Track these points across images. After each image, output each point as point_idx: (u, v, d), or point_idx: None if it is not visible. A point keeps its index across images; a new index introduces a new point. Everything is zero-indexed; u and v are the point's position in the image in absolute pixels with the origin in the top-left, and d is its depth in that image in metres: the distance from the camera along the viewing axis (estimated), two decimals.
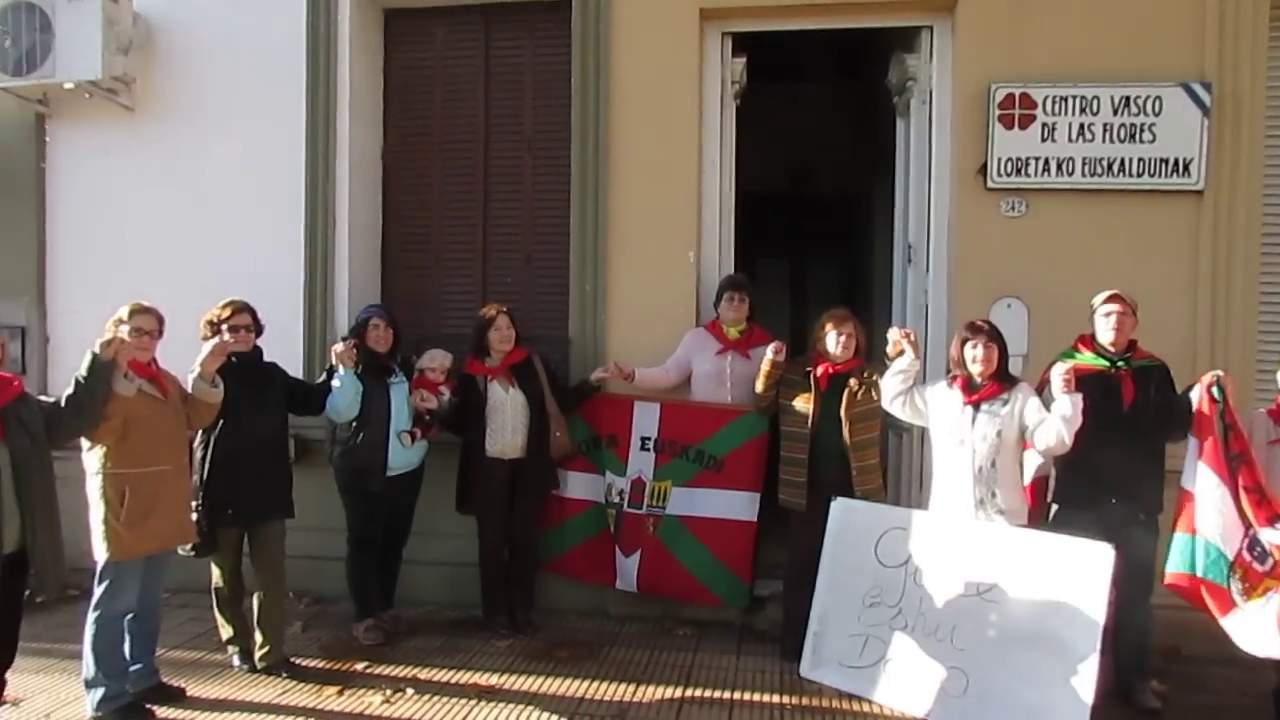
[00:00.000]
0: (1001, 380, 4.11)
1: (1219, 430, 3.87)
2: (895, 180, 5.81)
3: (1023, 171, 5.04)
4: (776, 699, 4.26)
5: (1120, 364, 4.11)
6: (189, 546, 4.19)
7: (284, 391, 4.57)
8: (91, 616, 3.90)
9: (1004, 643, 3.88)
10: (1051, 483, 4.32)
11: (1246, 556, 3.75)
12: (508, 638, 4.98)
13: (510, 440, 4.93)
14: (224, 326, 4.27)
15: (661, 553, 5.10)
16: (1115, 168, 4.98)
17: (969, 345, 4.12)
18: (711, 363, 5.12)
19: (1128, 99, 4.97)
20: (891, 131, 5.93)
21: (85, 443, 3.83)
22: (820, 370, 4.60)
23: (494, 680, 4.44)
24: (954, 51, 5.23)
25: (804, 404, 4.63)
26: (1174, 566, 3.93)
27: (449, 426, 5.03)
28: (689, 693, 4.33)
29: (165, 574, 4.18)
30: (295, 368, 5.24)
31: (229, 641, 4.56)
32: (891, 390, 4.34)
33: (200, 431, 4.27)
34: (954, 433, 4.14)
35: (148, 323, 3.93)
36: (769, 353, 4.73)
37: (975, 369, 4.10)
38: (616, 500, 5.22)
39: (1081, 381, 3.93)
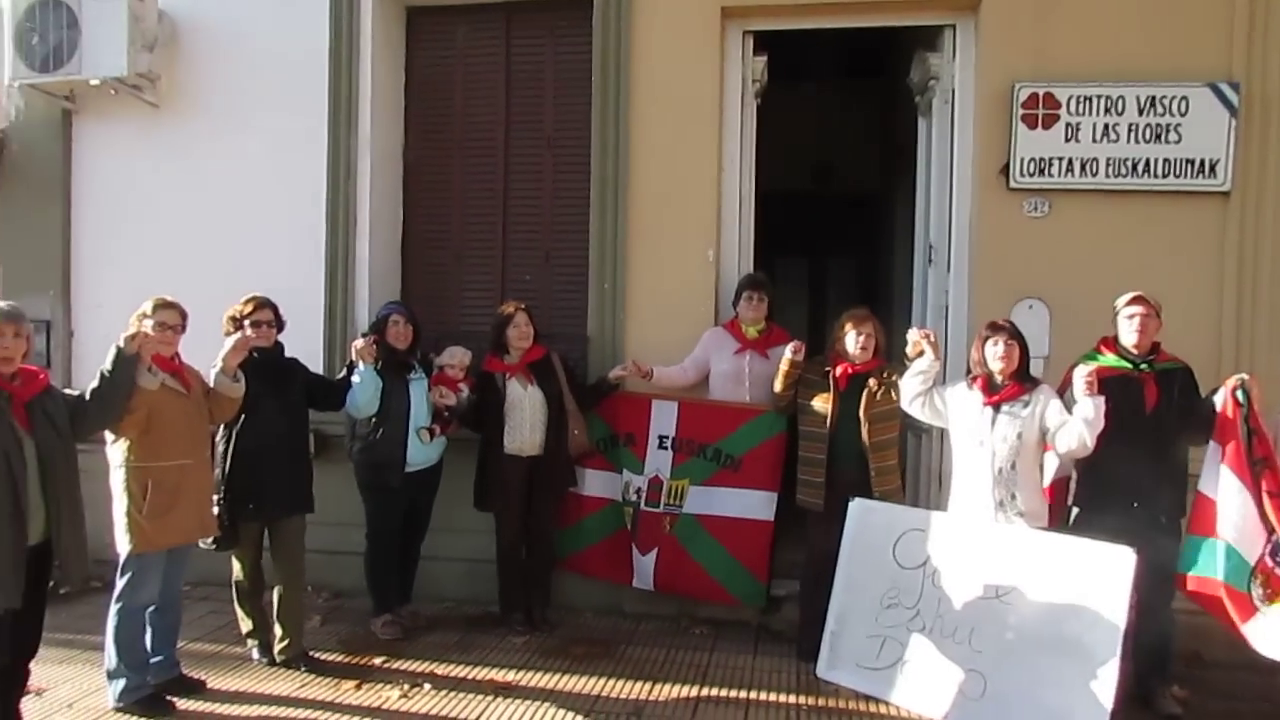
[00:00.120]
0: (1022, 381, 4.09)
1: (1242, 434, 3.82)
2: (916, 180, 5.79)
3: (1046, 172, 5.00)
4: (793, 699, 4.26)
5: (1143, 366, 4.07)
6: (210, 540, 4.23)
7: (305, 387, 4.60)
8: (114, 608, 3.95)
9: (1023, 646, 3.86)
10: (1072, 485, 4.29)
11: (1269, 562, 3.71)
12: (524, 634, 5.00)
13: (528, 438, 4.94)
14: (246, 322, 4.31)
15: (678, 551, 5.09)
16: (1140, 168, 4.93)
17: (990, 343, 4.10)
18: (730, 362, 5.11)
19: (1153, 99, 4.92)
20: (913, 131, 5.90)
21: (109, 436, 3.87)
22: (839, 370, 4.59)
23: (510, 677, 4.45)
24: (977, 50, 5.19)
25: (822, 404, 4.61)
26: (1193, 569, 3.89)
27: (467, 423, 5.05)
28: (705, 692, 4.33)
29: (186, 567, 4.22)
30: (316, 364, 5.27)
31: (249, 635, 4.60)
32: (911, 391, 4.32)
33: (222, 426, 4.31)
34: (974, 434, 4.11)
35: (171, 317, 3.96)
36: (788, 352, 4.71)
37: (996, 366, 4.07)
38: (634, 498, 5.22)
39: (1104, 384, 3.90)
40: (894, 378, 4.51)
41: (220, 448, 4.32)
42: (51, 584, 3.59)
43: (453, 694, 4.25)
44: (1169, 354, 4.14)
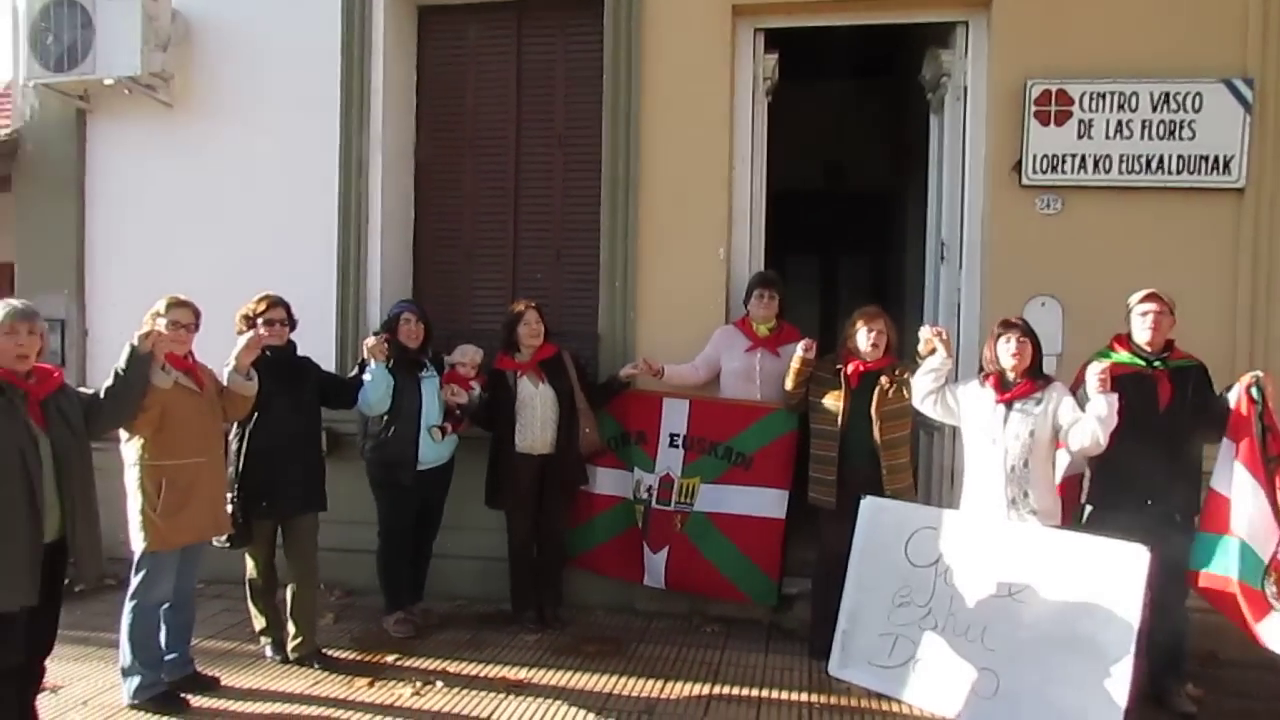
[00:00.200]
0: (1035, 378, 4.07)
1: (1257, 432, 3.81)
2: (928, 177, 5.76)
3: (1058, 168, 4.99)
4: (805, 697, 4.25)
5: (1157, 364, 4.05)
6: (224, 538, 4.25)
7: (317, 386, 4.62)
8: (128, 606, 3.97)
9: (1036, 644, 3.84)
10: (1085, 483, 4.27)
11: None
12: (536, 632, 5.01)
13: (540, 436, 4.94)
14: (259, 320, 4.33)
15: (689, 549, 5.09)
16: (1154, 165, 4.91)
17: (1002, 340, 4.08)
18: (741, 360, 5.11)
19: (1167, 95, 4.89)
20: (924, 128, 5.89)
21: (123, 434, 3.89)
22: (851, 368, 4.58)
23: (522, 674, 4.46)
24: (989, 47, 5.18)
25: (834, 401, 4.60)
26: (1205, 567, 3.87)
27: (479, 422, 5.06)
28: (717, 690, 4.33)
29: (200, 565, 4.24)
30: (328, 362, 5.30)
31: (262, 632, 4.62)
32: (923, 389, 4.30)
33: (235, 424, 4.33)
34: (986, 431, 4.10)
35: (184, 316, 3.98)
36: (799, 350, 4.70)
37: (1009, 364, 4.05)
38: (645, 497, 5.21)
39: (1117, 381, 3.88)
40: (906, 375, 4.49)
41: (234, 446, 4.34)
42: (66, 581, 3.60)
43: (465, 691, 4.26)
44: (1183, 351, 4.12)
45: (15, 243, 6.18)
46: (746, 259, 5.53)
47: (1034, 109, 4.98)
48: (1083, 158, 4.97)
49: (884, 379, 4.54)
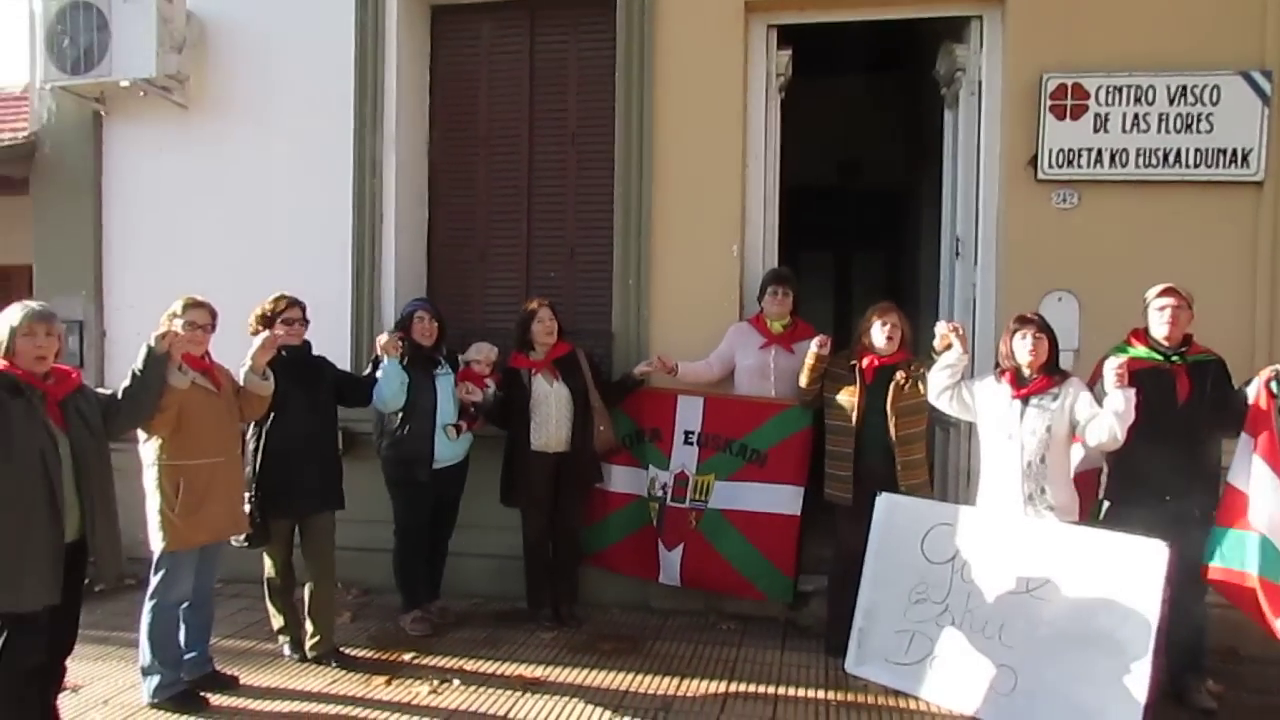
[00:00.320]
0: (1051, 374, 4.04)
1: (1276, 426, 3.78)
2: (943, 172, 5.74)
3: (1074, 163, 4.96)
4: (821, 694, 4.24)
5: (1175, 359, 4.02)
6: (242, 537, 4.27)
7: (333, 384, 4.63)
8: (148, 605, 3.99)
9: (1054, 641, 3.82)
10: (1103, 478, 4.24)
11: None
12: (552, 630, 5.02)
13: (554, 434, 4.95)
14: (278, 319, 4.35)
15: (704, 547, 5.09)
16: (1171, 158, 4.88)
17: (1018, 335, 4.05)
18: (755, 357, 5.10)
19: (1184, 88, 4.86)
20: (939, 123, 5.86)
21: (141, 435, 3.91)
22: (866, 363, 4.56)
23: (539, 672, 4.47)
24: (1004, 41, 5.15)
25: (849, 397, 4.59)
26: (1220, 561, 3.84)
27: (493, 420, 5.07)
28: (733, 687, 4.33)
29: (218, 564, 4.26)
30: (343, 361, 5.31)
31: (280, 631, 4.64)
32: (939, 384, 4.28)
33: (252, 424, 4.35)
34: (1002, 427, 4.08)
35: (201, 316, 4.00)
36: (813, 346, 4.69)
37: (1025, 360, 4.03)
38: (659, 494, 5.21)
39: (1135, 376, 3.86)
40: (922, 370, 4.48)
41: (250, 446, 4.36)
42: (86, 581, 3.63)
43: (482, 689, 4.27)
44: (1201, 346, 4.08)
45: (33, 245, 6.22)
46: (760, 256, 5.52)
47: (1049, 103, 4.96)
48: (1099, 152, 4.94)
49: (899, 374, 4.52)
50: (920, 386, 4.46)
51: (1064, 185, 5.01)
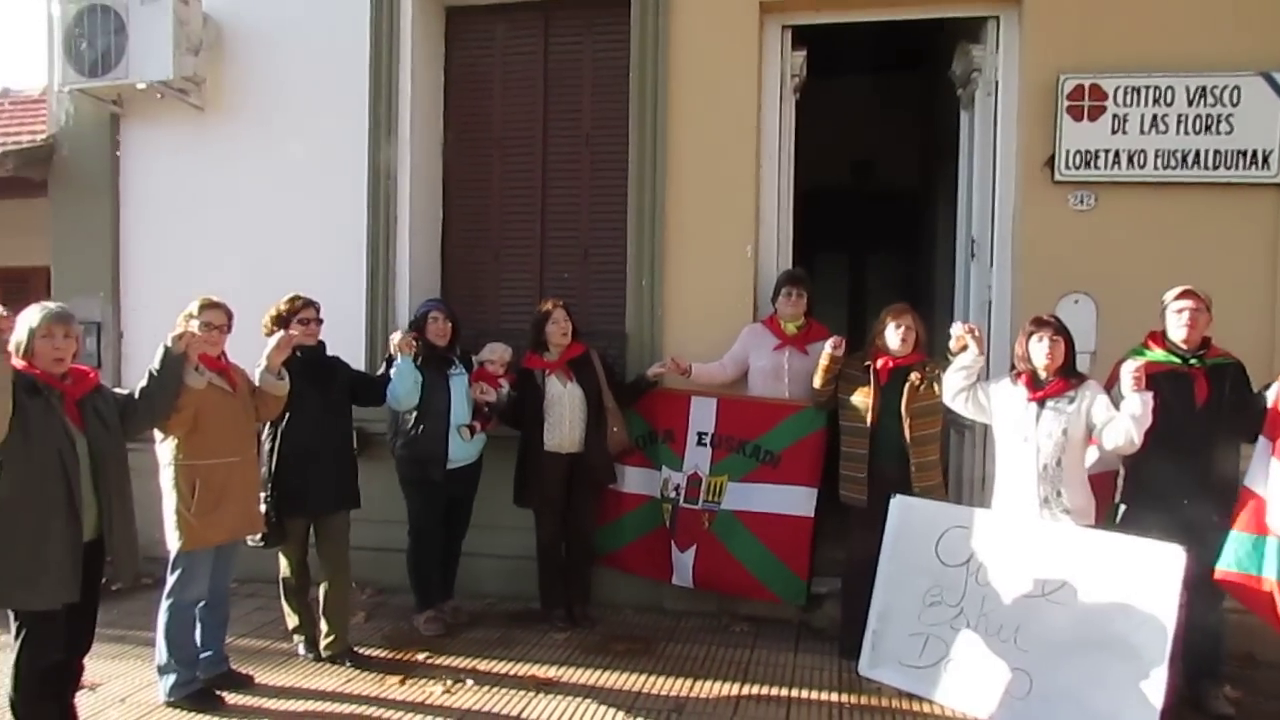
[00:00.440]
0: (1068, 377, 4.01)
1: None
2: (958, 174, 5.71)
3: (1092, 164, 4.93)
4: (835, 697, 4.23)
5: (1193, 362, 3.99)
6: (258, 537, 4.29)
7: (347, 384, 4.65)
8: (164, 604, 4.02)
9: (1070, 645, 3.79)
10: (1120, 482, 4.21)
11: None
12: (565, 631, 5.02)
13: (568, 435, 4.96)
14: (295, 319, 4.38)
15: (717, 548, 5.08)
16: (1190, 160, 4.84)
17: (1035, 339, 4.03)
18: (769, 358, 5.09)
19: (1203, 89, 4.83)
20: (954, 124, 5.83)
21: (158, 435, 3.94)
22: (880, 364, 4.55)
23: (552, 673, 4.47)
24: (1021, 41, 5.12)
25: (863, 399, 4.58)
26: (1236, 566, 3.79)
27: (507, 420, 5.08)
28: (746, 689, 4.32)
29: (234, 564, 4.28)
30: (357, 362, 5.33)
31: (295, 630, 4.66)
32: (954, 386, 4.26)
33: (268, 424, 4.38)
34: (1018, 430, 4.05)
35: (217, 317, 4.02)
36: (827, 347, 4.68)
37: (1041, 363, 4.00)
38: (672, 495, 5.21)
39: (1152, 380, 3.82)
40: (937, 372, 4.46)
41: (266, 445, 4.38)
42: (104, 580, 3.65)
43: (495, 689, 4.28)
44: (1220, 349, 4.05)
45: (51, 246, 6.28)
46: (774, 257, 5.51)
47: (1067, 104, 4.93)
48: (1117, 153, 4.91)
49: (914, 375, 4.51)
50: (935, 388, 4.44)
51: (1081, 187, 4.98)
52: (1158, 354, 4.04)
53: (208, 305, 4.03)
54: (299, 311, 4.43)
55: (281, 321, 4.39)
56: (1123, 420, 3.81)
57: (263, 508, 4.27)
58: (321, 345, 4.58)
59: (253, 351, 4.19)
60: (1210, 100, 4.81)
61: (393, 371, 4.66)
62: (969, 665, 4.06)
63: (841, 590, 4.89)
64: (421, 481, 4.86)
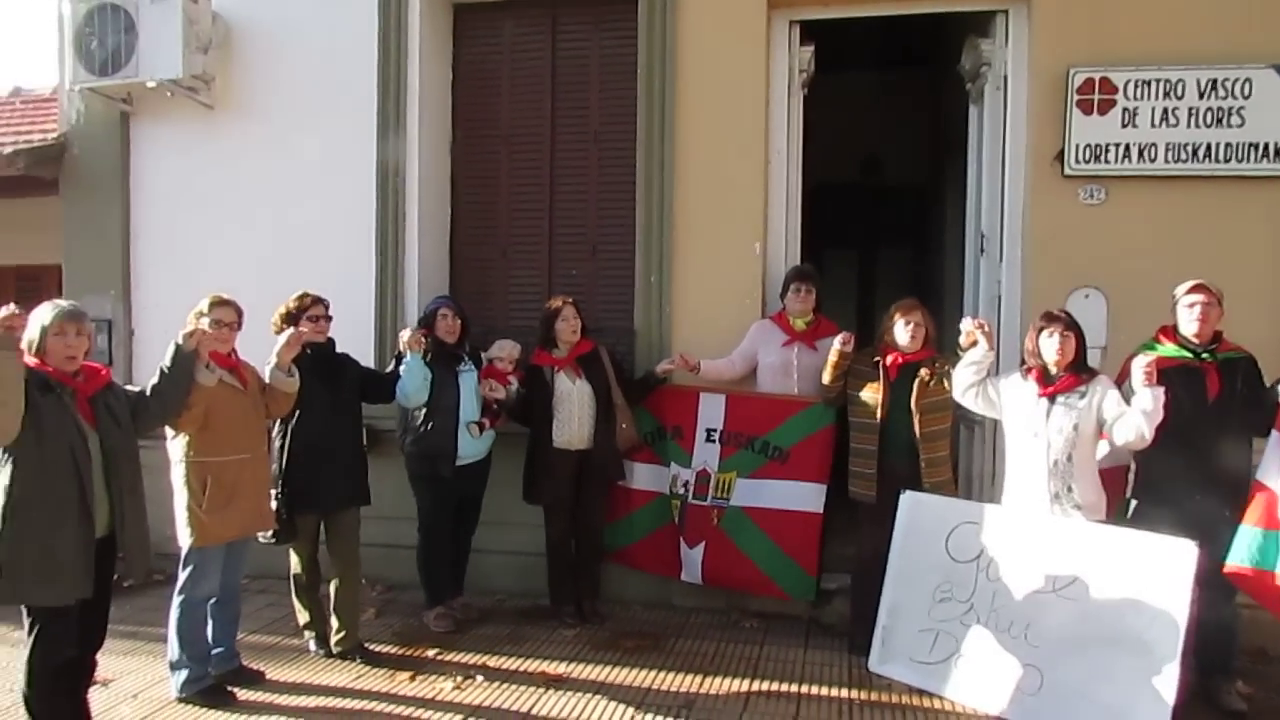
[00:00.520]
0: (1079, 372, 4.00)
1: None
2: (967, 168, 5.69)
3: (1102, 158, 4.91)
4: (845, 693, 4.23)
5: (1205, 356, 3.96)
6: (269, 534, 4.30)
7: (357, 381, 4.66)
8: (176, 601, 4.04)
9: (1081, 641, 3.78)
10: (1131, 477, 4.20)
11: None
12: (575, 627, 5.03)
13: (577, 431, 4.96)
14: (304, 316, 4.39)
15: (725, 544, 5.08)
16: (1201, 153, 4.82)
17: (1045, 334, 4.01)
18: (778, 354, 5.08)
19: (1215, 82, 4.80)
20: (963, 119, 5.81)
21: (169, 432, 3.96)
22: (890, 359, 4.54)
23: (562, 669, 4.48)
24: (1030, 35, 5.10)
25: (872, 394, 4.57)
26: (1249, 561, 3.77)
27: (516, 417, 5.09)
28: (756, 685, 4.32)
29: (245, 560, 4.30)
30: (367, 359, 5.33)
31: (306, 626, 4.68)
32: (964, 382, 4.25)
33: (278, 422, 4.39)
34: (1028, 425, 4.04)
35: (227, 315, 4.04)
36: (836, 343, 4.67)
37: (1051, 359, 3.99)
38: (681, 492, 5.21)
39: (1164, 374, 3.81)
40: (946, 367, 4.45)
41: (277, 442, 4.40)
42: (115, 577, 3.67)
43: (505, 685, 4.29)
44: (1231, 343, 4.03)
45: (63, 245, 6.30)
46: (783, 253, 5.50)
47: (1077, 98, 4.91)
48: (1127, 147, 4.89)
49: (924, 371, 4.50)
50: (945, 383, 4.43)
51: (1091, 181, 4.96)
52: (1169, 348, 4.02)
53: (218, 303, 4.04)
54: (308, 308, 4.44)
55: (291, 319, 4.40)
56: (1134, 415, 3.79)
57: (273, 504, 4.29)
58: (331, 342, 4.59)
59: (263, 349, 4.21)
60: (1221, 93, 4.79)
61: (402, 368, 4.67)
62: (979, 661, 4.06)
63: (851, 586, 4.89)
64: (431, 478, 4.87)
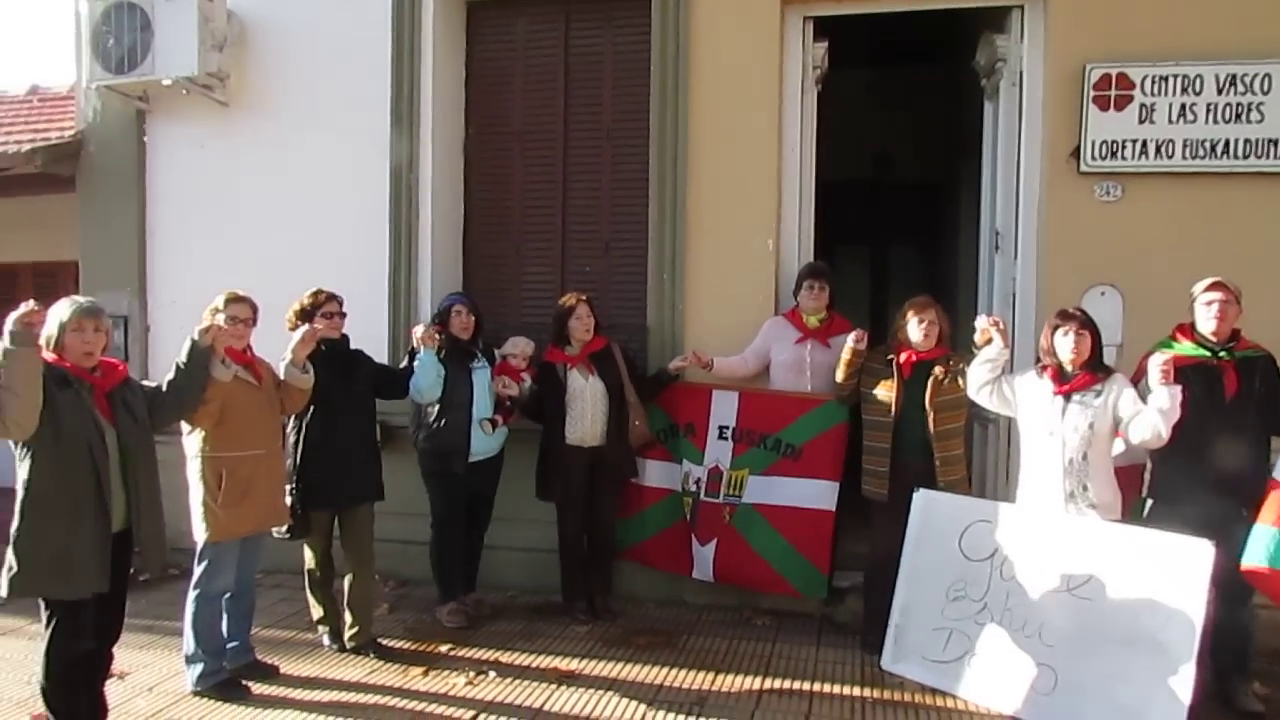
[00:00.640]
0: (1094, 370, 3.97)
1: None
2: (982, 165, 5.66)
3: (1118, 154, 4.87)
4: (857, 691, 4.22)
5: (1223, 354, 3.93)
6: (283, 529, 4.32)
7: (371, 377, 4.68)
8: (191, 595, 4.07)
9: (1096, 640, 3.76)
10: (1147, 476, 4.16)
11: None
12: (587, 624, 5.03)
13: (589, 428, 4.96)
14: (319, 312, 4.41)
15: (737, 542, 5.08)
16: (1219, 149, 4.78)
17: (1060, 332, 3.98)
18: (790, 351, 5.07)
19: (1234, 77, 4.76)
20: (978, 115, 5.78)
21: (185, 427, 3.98)
22: (904, 357, 4.52)
23: (574, 665, 4.48)
24: (1046, 31, 5.06)
25: (886, 392, 4.55)
26: (1265, 560, 3.71)
27: (529, 414, 5.10)
28: (768, 683, 4.31)
29: (260, 555, 4.33)
30: (380, 355, 5.33)
31: (319, 621, 4.70)
32: (979, 379, 4.23)
33: (293, 417, 4.41)
34: (1044, 424, 4.02)
35: (243, 311, 4.06)
36: (850, 340, 4.66)
37: (1067, 357, 3.96)
38: (693, 489, 5.21)
39: (1181, 372, 3.78)
40: (961, 365, 4.43)
41: (291, 438, 4.42)
42: (132, 571, 3.70)
43: (517, 681, 4.29)
44: (1249, 341, 3.99)
45: (79, 242, 6.35)
46: (796, 250, 5.48)
47: (1093, 94, 4.87)
48: (1144, 143, 4.85)
49: (938, 369, 4.48)
50: (959, 381, 4.41)
51: (1107, 178, 4.93)
52: (1186, 347, 3.99)
53: (233, 299, 4.06)
54: (323, 305, 4.46)
55: (305, 315, 4.42)
56: (1150, 414, 3.76)
57: (288, 500, 4.31)
58: (345, 339, 4.61)
59: (278, 345, 4.23)
60: (1240, 88, 4.74)
61: (415, 365, 4.68)
62: (993, 660, 4.04)
63: (864, 585, 4.88)
64: (443, 474, 4.88)
